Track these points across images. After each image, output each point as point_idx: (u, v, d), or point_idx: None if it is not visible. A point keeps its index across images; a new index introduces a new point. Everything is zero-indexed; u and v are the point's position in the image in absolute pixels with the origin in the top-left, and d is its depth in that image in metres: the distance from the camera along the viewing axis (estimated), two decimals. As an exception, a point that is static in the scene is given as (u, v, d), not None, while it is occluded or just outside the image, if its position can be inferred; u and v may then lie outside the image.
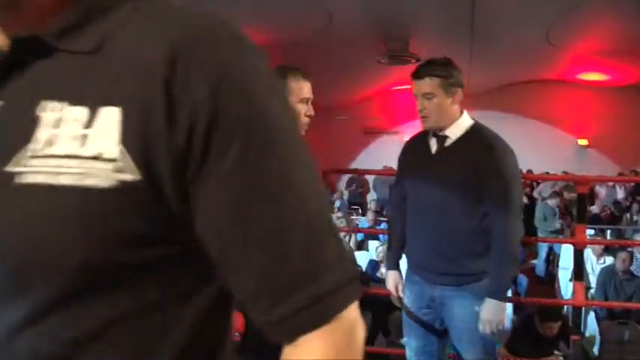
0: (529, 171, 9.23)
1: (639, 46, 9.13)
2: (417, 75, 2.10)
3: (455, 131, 2.11)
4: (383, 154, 11.63)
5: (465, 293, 2.11)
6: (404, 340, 2.40)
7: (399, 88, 13.09)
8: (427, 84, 2.06)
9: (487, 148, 2.04)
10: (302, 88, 1.79)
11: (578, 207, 2.60)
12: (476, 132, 2.12)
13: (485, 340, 2.13)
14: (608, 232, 8.06)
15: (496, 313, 2.02)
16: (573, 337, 2.75)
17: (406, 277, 2.35)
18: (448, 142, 2.12)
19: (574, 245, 2.58)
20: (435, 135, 2.15)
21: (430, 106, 2.06)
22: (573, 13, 7.87)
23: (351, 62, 10.07)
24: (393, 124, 13.42)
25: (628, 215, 9.46)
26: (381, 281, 5.50)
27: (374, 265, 5.62)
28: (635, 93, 11.99)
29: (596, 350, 4.83)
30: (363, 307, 3.27)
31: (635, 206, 9.86)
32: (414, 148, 2.30)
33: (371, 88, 12.73)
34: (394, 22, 8.84)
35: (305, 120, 1.83)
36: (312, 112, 1.85)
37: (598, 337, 4.91)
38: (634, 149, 12.25)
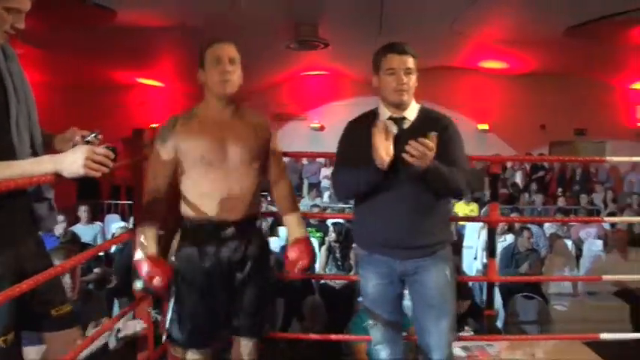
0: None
1: (536, 37, 9.67)
2: (400, 50, 2.18)
3: (411, 114, 2.23)
4: (292, 139, 11.64)
5: (437, 260, 2.23)
6: (370, 323, 2.37)
7: (308, 73, 13.12)
8: (411, 60, 2.18)
9: (445, 127, 2.21)
10: None
11: (491, 186, 2.69)
12: (427, 113, 2.27)
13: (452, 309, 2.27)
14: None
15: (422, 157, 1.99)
16: (487, 312, 2.86)
17: (364, 262, 2.34)
18: (407, 124, 2.21)
19: (488, 223, 2.68)
20: (390, 118, 2.22)
21: (412, 82, 2.19)
22: (478, 3, 8.19)
23: (259, 47, 9.92)
24: (301, 109, 13.42)
25: (527, 195, 10.06)
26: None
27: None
28: (532, 81, 12.71)
29: (500, 324, 5.08)
30: (276, 294, 3.23)
31: (532, 187, 10.53)
32: (366, 129, 2.22)
33: (280, 73, 12.65)
34: (303, 7, 8.80)
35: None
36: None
37: (502, 312, 5.18)
38: (529, 134, 13.05)
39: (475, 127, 13.32)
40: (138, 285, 2.19)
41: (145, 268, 2.11)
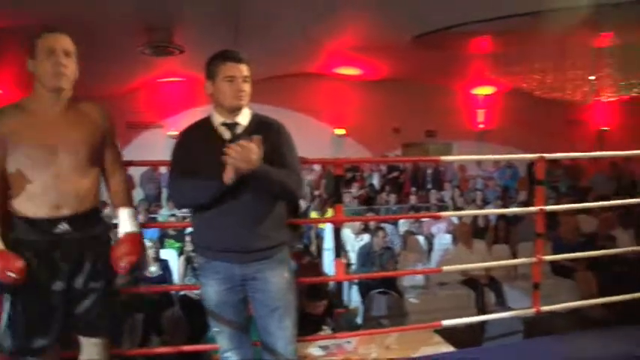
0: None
1: (384, 45, 10.18)
2: (238, 59, 2.24)
3: (244, 119, 2.28)
4: (148, 149, 11.21)
5: (274, 263, 2.28)
6: (216, 330, 2.35)
7: (165, 80, 12.75)
8: (246, 68, 2.24)
9: (277, 131, 2.28)
10: None
11: (335, 188, 2.78)
12: (259, 118, 2.33)
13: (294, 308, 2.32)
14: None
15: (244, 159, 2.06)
16: (338, 311, 2.94)
17: (204, 269, 2.33)
18: (240, 129, 2.25)
19: (333, 224, 2.76)
20: (224, 124, 2.26)
21: (248, 89, 2.25)
22: (328, 12, 8.46)
23: (112, 52, 9.48)
24: (158, 117, 12.98)
25: (384, 194, 10.52)
26: (151, 280, 5.32)
27: (142, 264, 5.40)
28: (385, 87, 13.33)
29: (359, 320, 5.27)
30: (134, 309, 3.12)
31: (387, 188, 11.03)
32: (200, 137, 2.28)
33: (134, 79, 12.15)
34: (156, 12, 8.55)
35: None
36: None
37: (361, 308, 5.38)
38: (384, 137, 13.70)
39: (332, 132, 13.70)
40: None
41: None
